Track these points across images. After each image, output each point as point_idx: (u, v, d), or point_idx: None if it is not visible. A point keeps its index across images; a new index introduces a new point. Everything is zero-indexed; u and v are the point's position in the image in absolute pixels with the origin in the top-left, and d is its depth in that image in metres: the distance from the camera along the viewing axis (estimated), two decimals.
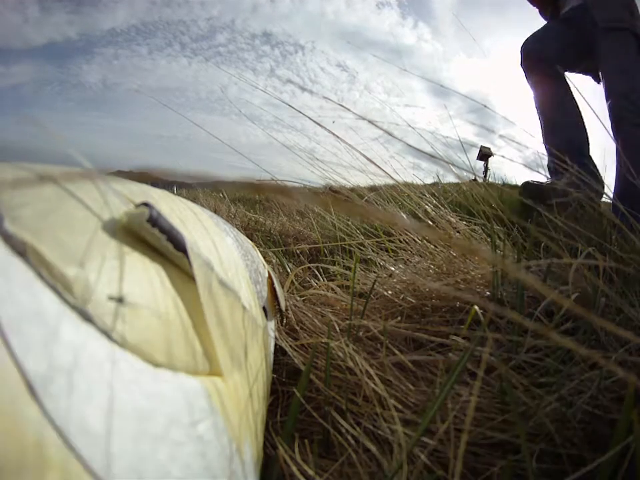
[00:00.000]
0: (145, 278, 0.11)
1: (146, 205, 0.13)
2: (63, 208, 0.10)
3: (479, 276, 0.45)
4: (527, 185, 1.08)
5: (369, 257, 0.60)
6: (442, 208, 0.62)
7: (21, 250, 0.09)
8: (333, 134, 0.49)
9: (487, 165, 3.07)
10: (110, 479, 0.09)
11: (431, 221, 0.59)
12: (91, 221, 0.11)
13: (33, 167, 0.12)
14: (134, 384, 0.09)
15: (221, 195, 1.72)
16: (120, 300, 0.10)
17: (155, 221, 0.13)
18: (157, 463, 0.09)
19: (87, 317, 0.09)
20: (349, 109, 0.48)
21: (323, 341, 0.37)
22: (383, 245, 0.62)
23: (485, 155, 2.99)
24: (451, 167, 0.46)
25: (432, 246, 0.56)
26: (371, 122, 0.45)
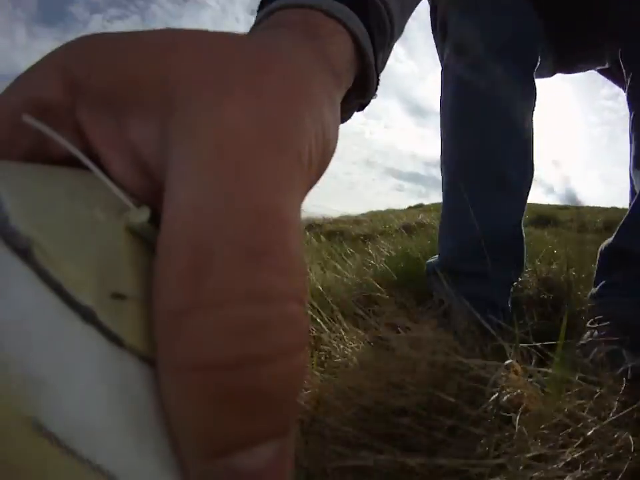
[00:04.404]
0: (146, 278, 0.11)
1: (152, 205, 0.13)
2: (66, 207, 0.10)
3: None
4: None
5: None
6: None
7: (24, 248, 0.09)
8: None
9: None
10: (111, 479, 0.09)
11: None
12: (94, 220, 0.11)
13: (34, 167, 0.12)
14: (135, 383, 0.09)
15: None
16: (122, 299, 0.10)
17: (157, 220, 0.12)
18: (160, 461, 0.09)
19: (88, 316, 0.09)
20: None
21: None
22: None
23: None
24: None
25: None
26: None
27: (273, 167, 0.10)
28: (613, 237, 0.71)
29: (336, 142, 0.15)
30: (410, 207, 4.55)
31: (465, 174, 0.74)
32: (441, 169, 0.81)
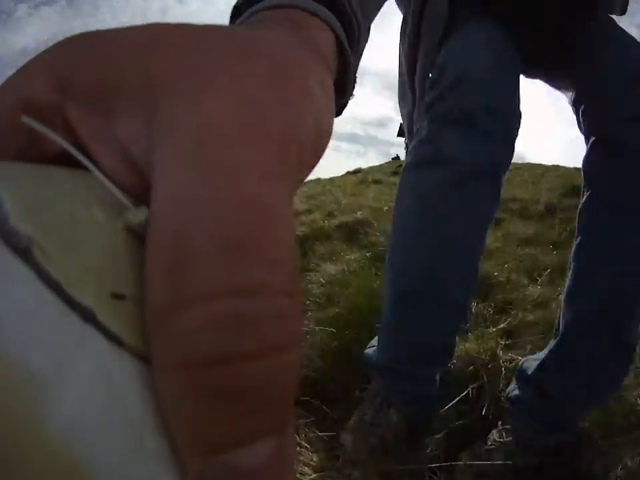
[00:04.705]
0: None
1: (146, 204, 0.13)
2: (66, 207, 0.11)
3: None
4: None
5: None
6: None
7: (24, 248, 0.09)
8: None
9: None
10: (113, 478, 0.09)
11: None
12: (93, 220, 0.11)
13: (34, 167, 0.12)
14: (135, 383, 0.09)
15: None
16: (121, 299, 0.10)
17: None
18: (159, 461, 0.10)
19: (87, 316, 0.09)
20: None
21: None
22: None
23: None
24: None
25: None
26: None
27: (255, 156, 0.10)
28: (535, 367, 0.76)
29: (331, 129, 0.14)
30: (348, 173, 4.57)
31: (410, 288, 0.75)
32: (386, 272, 0.81)
